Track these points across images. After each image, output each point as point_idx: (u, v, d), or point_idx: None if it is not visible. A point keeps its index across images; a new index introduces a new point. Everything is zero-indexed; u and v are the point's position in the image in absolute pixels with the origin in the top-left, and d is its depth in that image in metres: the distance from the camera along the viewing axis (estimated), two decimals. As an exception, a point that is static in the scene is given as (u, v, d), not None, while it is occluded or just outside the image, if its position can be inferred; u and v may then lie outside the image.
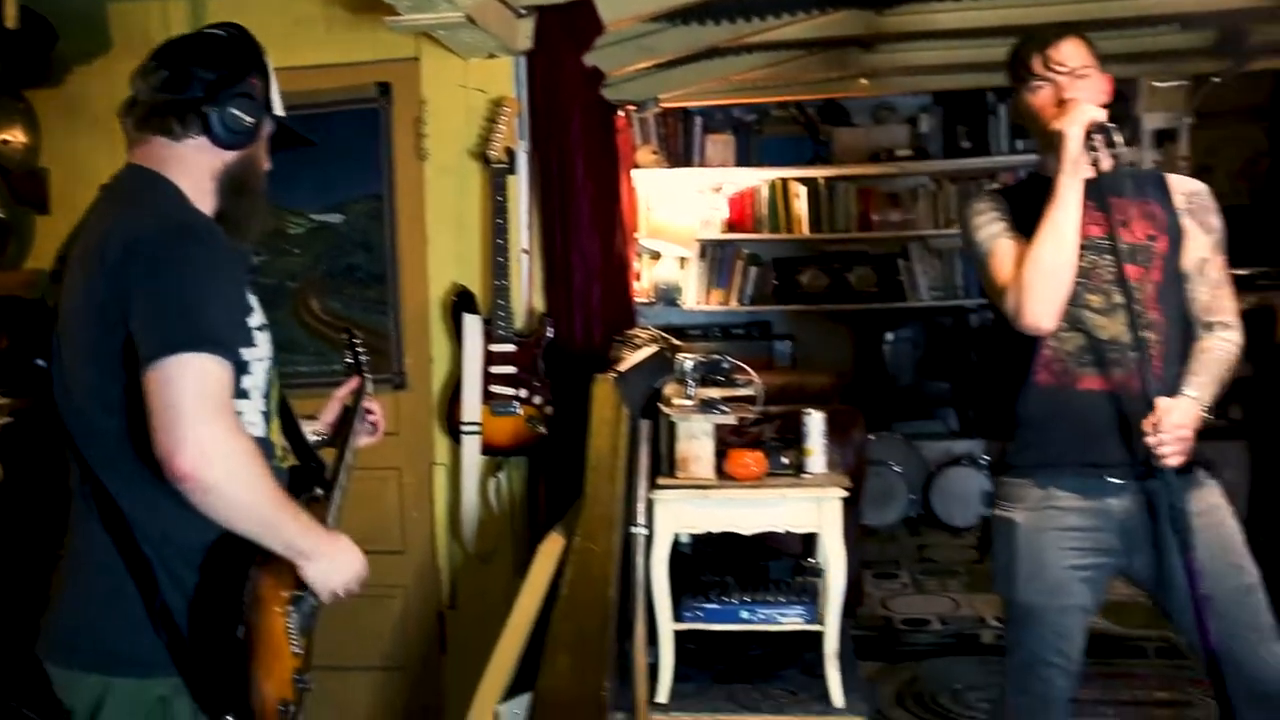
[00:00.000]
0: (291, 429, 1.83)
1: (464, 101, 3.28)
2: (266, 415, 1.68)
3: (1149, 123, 5.11)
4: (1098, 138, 1.99)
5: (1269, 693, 2.03)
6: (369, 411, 2.05)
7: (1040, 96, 2.10)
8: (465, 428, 3.23)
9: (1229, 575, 2.04)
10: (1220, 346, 2.08)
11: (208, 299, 1.49)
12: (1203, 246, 2.12)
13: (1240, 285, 5.20)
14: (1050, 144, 2.07)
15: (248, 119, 1.65)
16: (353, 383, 2.06)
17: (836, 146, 5.76)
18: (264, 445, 1.64)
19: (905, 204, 5.74)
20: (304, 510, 1.60)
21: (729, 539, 2.87)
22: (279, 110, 1.75)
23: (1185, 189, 2.17)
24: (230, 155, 1.66)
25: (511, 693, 2.75)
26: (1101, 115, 2.01)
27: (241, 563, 1.53)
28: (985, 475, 5.25)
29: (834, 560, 2.67)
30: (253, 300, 1.65)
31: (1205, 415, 2.02)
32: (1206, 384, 2.03)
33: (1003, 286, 2.06)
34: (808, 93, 5.35)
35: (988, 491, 5.23)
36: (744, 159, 5.76)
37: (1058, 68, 2.08)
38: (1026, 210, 2.09)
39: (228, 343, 1.50)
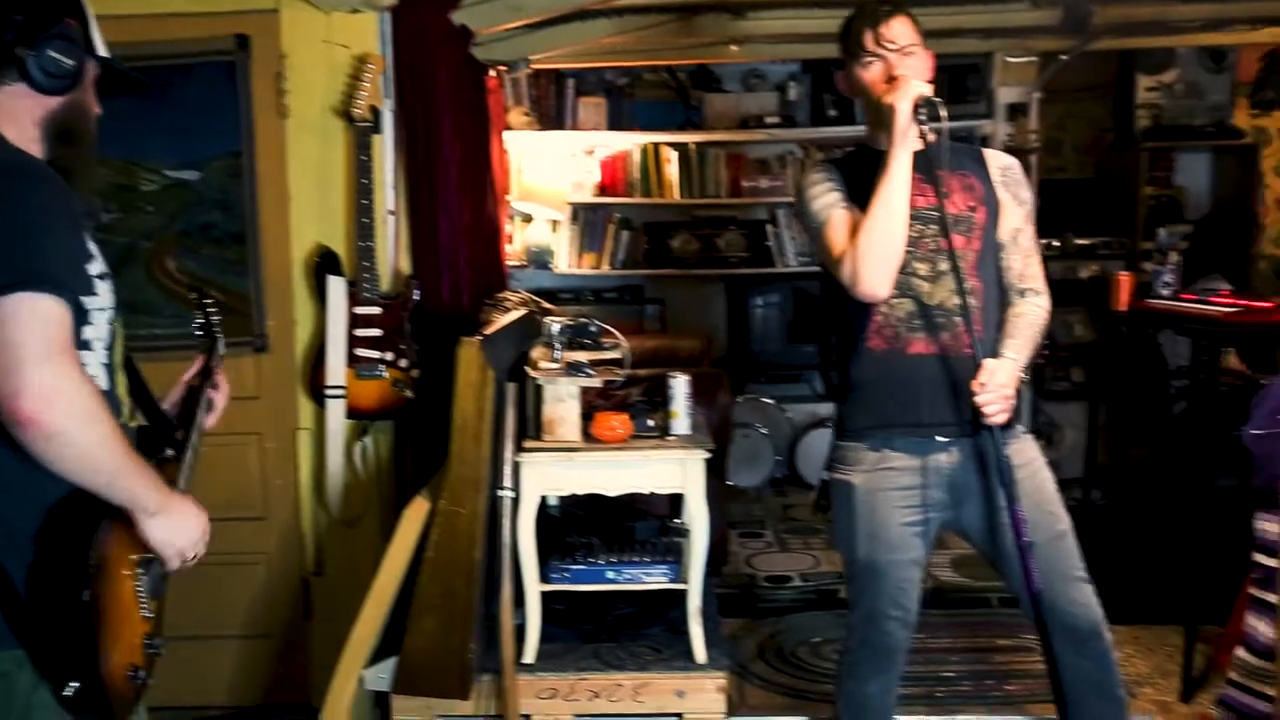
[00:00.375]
0: (139, 388, 1.78)
1: (326, 57, 3.19)
2: (110, 369, 1.63)
3: (1002, 96, 5.32)
4: (924, 111, 2.08)
5: (1079, 630, 2.19)
6: (214, 386, 1.96)
7: (871, 72, 2.18)
8: (329, 392, 3.18)
9: (1046, 523, 2.19)
10: (1033, 311, 2.24)
11: (45, 239, 1.43)
12: (1017, 218, 2.26)
13: (1083, 255, 5.54)
14: (879, 118, 2.16)
15: (67, 61, 1.57)
16: (198, 364, 1.98)
17: (708, 112, 5.82)
18: (110, 400, 1.59)
19: (774, 171, 5.84)
20: (151, 467, 1.56)
21: (596, 500, 2.91)
22: (102, 51, 1.67)
23: (1000, 163, 2.31)
24: (54, 101, 1.58)
25: (377, 657, 2.75)
26: (928, 90, 2.10)
27: (86, 526, 1.48)
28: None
29: (698, 520, 2.73)
30: (93, 248, 1.58)
31: (1021, 375, 2.16)
32: (1023, 346, 2.19)
33: (839, 255, 2.13)
34: (679, 58, 5.38)
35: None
36: (616, 122, 5.76)
37: (888, 44, 2.15)
38: (858, 181, 2.17)
39: (68, 284, 1.44)
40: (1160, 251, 3.84)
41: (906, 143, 2.09)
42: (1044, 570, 2.13)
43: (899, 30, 2.16)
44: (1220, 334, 3.39)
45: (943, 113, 2.07)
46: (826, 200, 2.20)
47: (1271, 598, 2.82)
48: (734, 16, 4.54)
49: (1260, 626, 2.86)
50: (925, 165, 2.12)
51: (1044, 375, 5.36)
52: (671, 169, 5.74)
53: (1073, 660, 2.18)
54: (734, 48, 4.93)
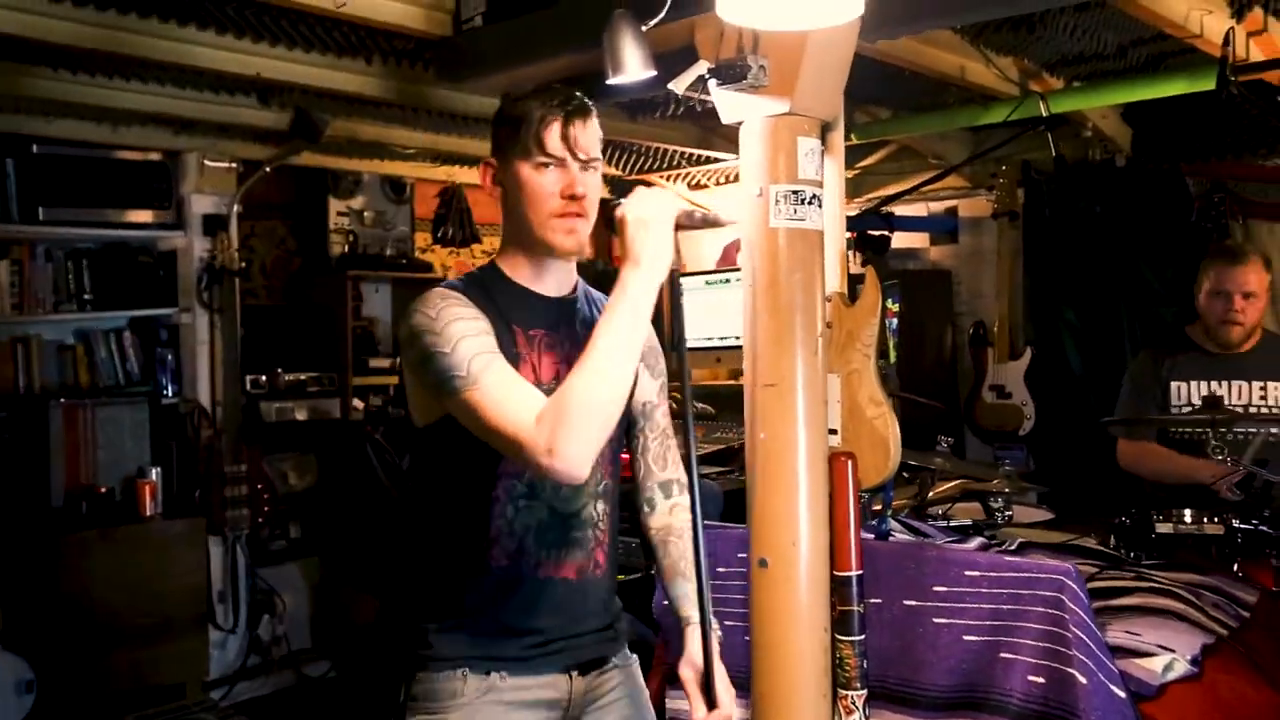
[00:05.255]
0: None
1: None
2: None
3: (196, 205, 4.43)
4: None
5: None
6: None
7: (545, 178, 1.58)
8: None
9: None
10: (689, 529, 1.84)
11: None
12: (652, 390, 1.81)
13: (294, 393, 4.85)
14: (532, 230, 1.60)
15: None
16: None
17: None
18: None
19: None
20: None
21: None
22: None
23: None
24: None
25: None
26: (688, 208, 1.51)
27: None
28: None
29: None
30: None
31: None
32: (708, 598, 1.74)
33: (521, 419, 1.42)
34: None
35: (28, 679, 3.77)
36: None
37: (578, 152, 1.58)
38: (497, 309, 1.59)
39: None
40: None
41: (659, 269, 1.46)
42: None
43: (591, 138, 1.59)
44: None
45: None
46: (480, 344, 1.51)
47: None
48: None
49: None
50: (562, 314, 1.65)
51: (260, 537, 4.49)
52: None
53: None
54: None
